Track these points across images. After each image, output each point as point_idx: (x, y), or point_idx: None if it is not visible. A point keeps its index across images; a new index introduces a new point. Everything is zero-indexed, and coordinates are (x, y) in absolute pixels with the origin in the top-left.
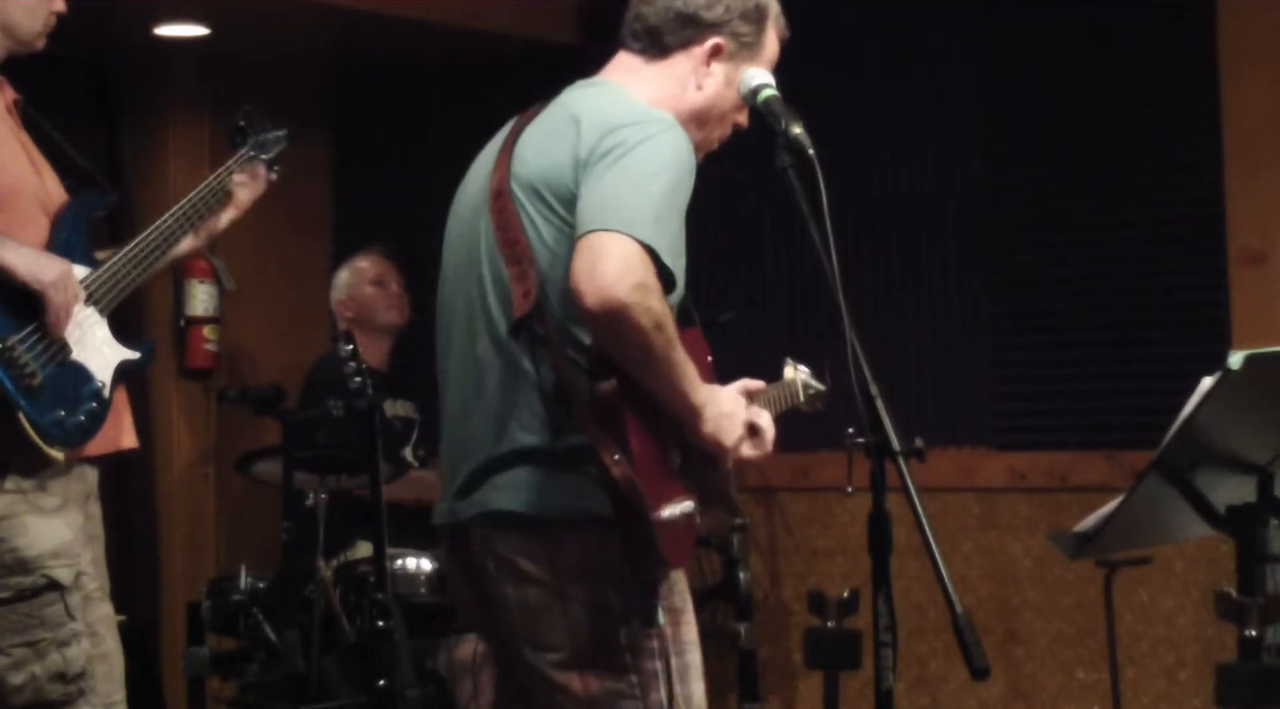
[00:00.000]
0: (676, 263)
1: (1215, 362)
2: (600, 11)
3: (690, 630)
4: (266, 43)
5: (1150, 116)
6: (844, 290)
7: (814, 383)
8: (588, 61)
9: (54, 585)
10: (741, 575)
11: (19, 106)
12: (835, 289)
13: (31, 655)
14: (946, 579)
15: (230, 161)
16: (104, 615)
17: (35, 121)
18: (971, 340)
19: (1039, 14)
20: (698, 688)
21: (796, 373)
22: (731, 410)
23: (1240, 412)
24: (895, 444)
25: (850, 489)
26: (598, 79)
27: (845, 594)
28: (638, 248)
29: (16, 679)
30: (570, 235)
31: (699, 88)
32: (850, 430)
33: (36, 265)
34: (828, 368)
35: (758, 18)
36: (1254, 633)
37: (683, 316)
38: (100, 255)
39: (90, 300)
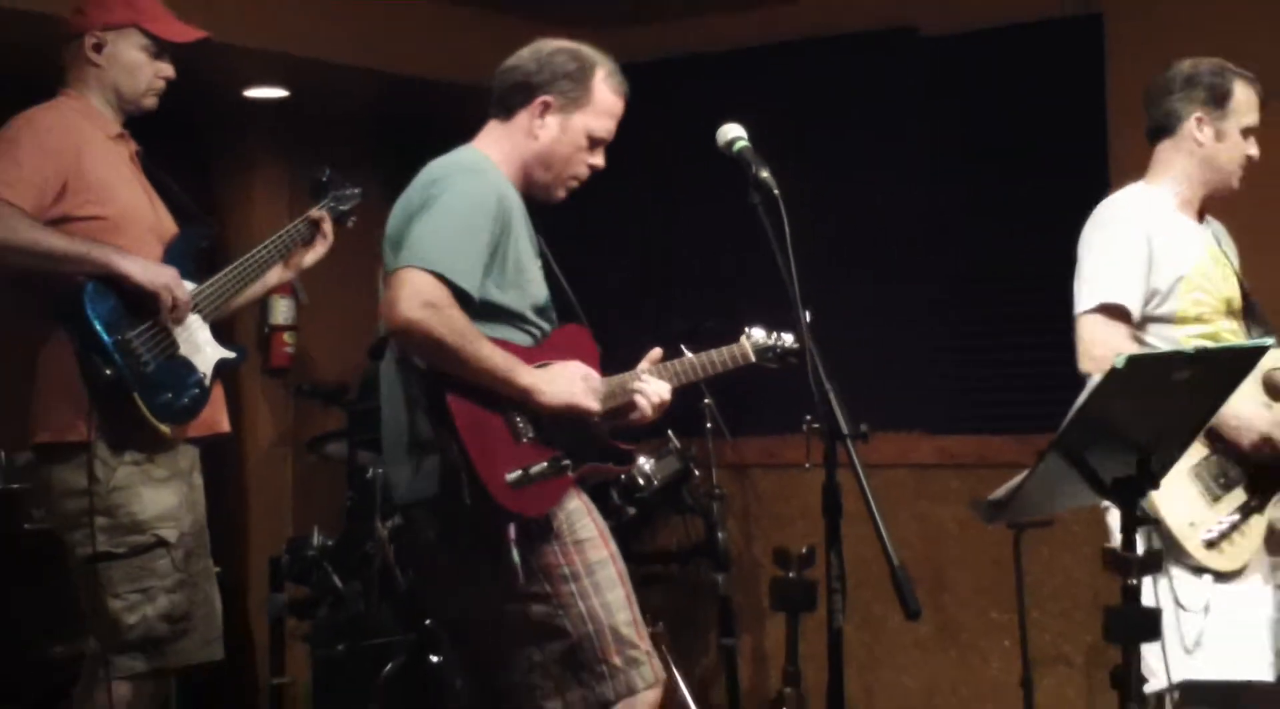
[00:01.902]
0: (474, 280)
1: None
2: None
3: (597, 551)
4: (335, 102)
5: (1051, 153)
6: (802, 302)
7: (771, 343)
8: None
9: (162, 543)
10: (720, 536)
11: (139, 157)
12: (795, 302)
13: (144, 600)
14: (886, 539)
15: (312, 210)
16: (204, 568)
17: (151, 169)
18: (912, 343)
19: (972, 65)
20: (613, 595)
21: (749, 338)
22: (563, 374)
23: (1123, 402)
24: (844, 429)
25: (808, 466)
26: (464, 146)
27: (804, 551)
28: (427, 276)
29: (131, 619)
30: None
31: (535, 137)
32: (808, 418)
33: (150, 271)
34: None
35: (580, 77)
36: (1134, 582)
37: (567, 314)
38: (202, 277)
39: (195, 309)
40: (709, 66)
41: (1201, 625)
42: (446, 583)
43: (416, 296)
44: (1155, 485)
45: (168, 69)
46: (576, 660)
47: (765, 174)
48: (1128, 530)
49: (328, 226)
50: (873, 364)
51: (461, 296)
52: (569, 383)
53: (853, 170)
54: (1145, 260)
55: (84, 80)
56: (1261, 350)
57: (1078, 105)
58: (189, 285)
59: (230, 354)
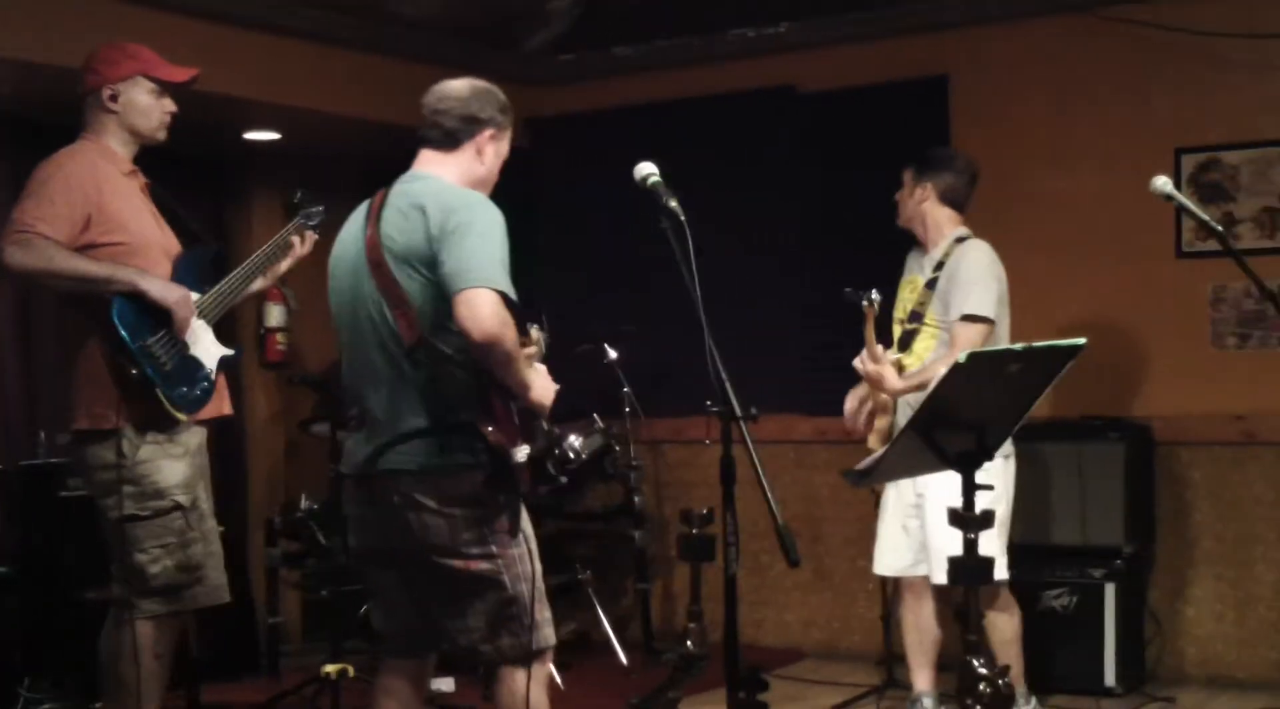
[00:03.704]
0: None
1: None
2: (542, 126)
3: (529, 529)
4: (320, 143)
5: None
6: (704, 308)
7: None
8: (534, 162)
9: (179, 507)
10: (637, 499)
11: (148, 189)
12: (698, 308)
13: (164, 554)
14: (771, 501)
15: (288, 227)
16: (211, 527)
17: (161, 198)
18: (791, 342)
19: (841, 116)
20: (539, 566)
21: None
22: (543, 377)
23: (965, 390)
24: (737, 411)
25: (708, 442)
26: (419, 173)
27: (705, 511)
28: (495, 295)
29: (155, 569)
30: (429, 285)
31: (483, 163)
32: (709, 402)
33: (165, 290)
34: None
35: (506, 112)
36: (972, 536)
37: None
38: (205, 288)
39: (201, 315)
40: (624, 118)
41: None
42: (416, 537)
43: (497, 315)
44: (990, 457)
45: (171, 105)
46: (509, 613)
47: (674, 203)
48: (967, 492)
49: (306, 241)
50: (760, 357)
51: (511, 308)
52: (547, 384)
53: (742, 201)
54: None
55: (103, 125)
56: (1077, 348)
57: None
58: (194, 295)
59: (230, 351)
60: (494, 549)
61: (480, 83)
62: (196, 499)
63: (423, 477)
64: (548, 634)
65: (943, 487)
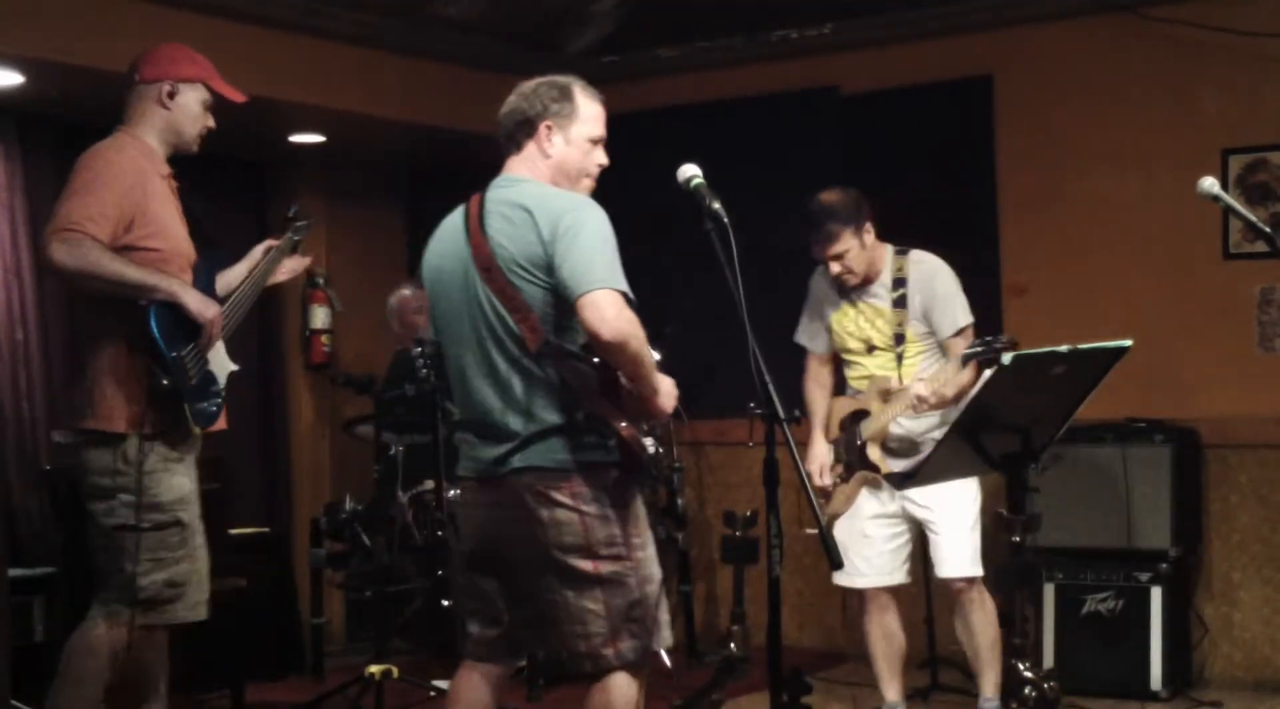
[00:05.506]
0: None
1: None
2: None
3: (649, 532)
4: (364, 146)
5: (950, 192)
6: (747, 311)
7: None
8: None
9: (178, 522)
10: (680, 501)
11: (176, 191)
12: (741, 310)
13: (155, 567)
14: (815, 503)
15: (281, 242)
16: (200, 542)
17: (185, 201)
18: None
19: (885, 117)
20: (659, 570)
21: None
22: (667, 380)
23: (1010, 392)
24: (780, 413)
25: (751, 443)
26: (508, 177)
27: (748, 514)
28: (619, 296)
29: (145, 581)
30: (546, 288)
31: (549, 156)
32: (751, 404)
33: (203, 305)
34: None
35: (565, 97)
36: (1018, 539)
37: None
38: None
39: None
40: (667, 119)
41: None
42: (548, 536)
43: (624, 314)
44: (1036, 460)
45: (211, 122)
46: (633, 615)
47: (717, 205)
48: (1014, 496)
49: (297, 259)
50: (802, 360)
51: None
52: (672, 389)
53: (785, 202)
54: (814, 310)
55: (149, 121)
56: (1122, 350)
57: (971, 152)
58: None
59: (236, 367)
60: (623, 551)
61: (533, 82)
62: (193, 517)
63: (560, 473)
64: (667, 636)
65: (946, 492)
